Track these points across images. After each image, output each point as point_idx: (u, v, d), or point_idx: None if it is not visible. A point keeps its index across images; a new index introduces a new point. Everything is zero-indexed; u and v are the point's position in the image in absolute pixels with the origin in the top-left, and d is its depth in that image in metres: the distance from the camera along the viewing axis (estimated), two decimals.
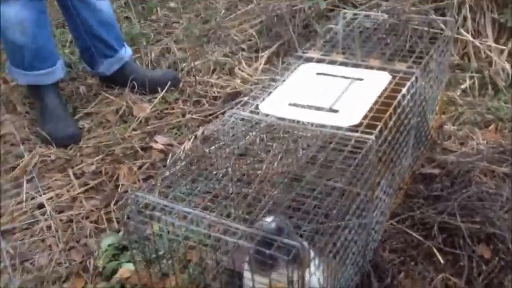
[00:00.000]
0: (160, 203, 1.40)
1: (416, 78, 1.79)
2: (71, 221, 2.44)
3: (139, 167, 2.72)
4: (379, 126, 1.55)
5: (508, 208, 2.03)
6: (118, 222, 2.39)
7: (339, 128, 1.59)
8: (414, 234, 2.01)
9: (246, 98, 1.88)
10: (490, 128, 2.58)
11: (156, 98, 3.26)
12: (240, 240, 1.26)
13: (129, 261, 2.15)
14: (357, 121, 1.57)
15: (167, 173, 1.70)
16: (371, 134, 1.53)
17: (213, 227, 1.33)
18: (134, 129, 3.02)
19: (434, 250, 1.94)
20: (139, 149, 2.84)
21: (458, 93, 2.85)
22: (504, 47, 2.97)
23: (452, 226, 2.00)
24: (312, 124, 1.63)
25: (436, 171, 2.31)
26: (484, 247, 1.92)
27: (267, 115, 1.72)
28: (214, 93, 3.28)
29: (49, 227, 2.41)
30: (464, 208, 2.06)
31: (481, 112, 2.68)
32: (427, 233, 2.02)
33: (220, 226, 1.32)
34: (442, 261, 1.89)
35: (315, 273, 1.37)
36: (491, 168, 2.26)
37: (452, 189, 2.17)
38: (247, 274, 1.39)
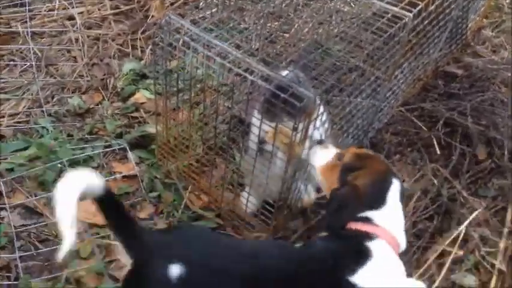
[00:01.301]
0: (191, 30, 1.43)
1: None
2: (98, 39, 2.51)
3: (172, 3, 2.70)
4: (420, 6, 1.53)
5: None
6: (142, 50, 2.46)
7: None
8: (419, 123, 2.08)
9: None
10: None
11: None
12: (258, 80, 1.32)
13: (146, 89, 2.26)
14: None
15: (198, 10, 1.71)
16: (410, 12, 1.52)
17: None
18: None
19: (434, 140, 2.02)
20: None
21: (507, 0, 2.73)
22: None
23: (457, 123, 2.06)
24: None
25: (460, 71, 2.31)
26: (482, 148, 1.99)
27: None
28: None
29: (76, 40, 2.48)
30: (475, 110, 2.10)
31: None
32: (431, 125, 2.09)
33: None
34: (438, 152, 1.98)
35: (318, 128, 1.45)
36: None
37: (469, 91, 2.20)
38: (255, 121, 1.42)
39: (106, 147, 1.99)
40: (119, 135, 2.04)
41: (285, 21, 2.41)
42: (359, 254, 1.22)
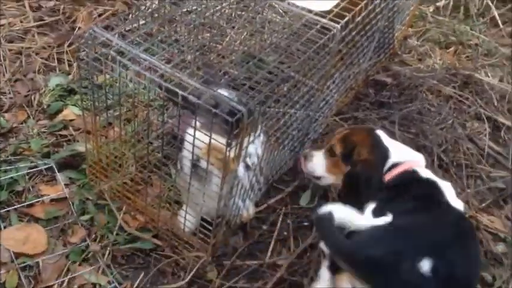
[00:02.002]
0: (118, 44, 1.37)
1: None
2: (20, 53, 2.37)
3: (100, 14, 2.62)
4: (347, 18, 1.55)
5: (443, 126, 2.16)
6: (69, 64, 2.35)
7: (308, 11, 1.58)
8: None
9: None
10: (450, 50, 2.65)
11: None
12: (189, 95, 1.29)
13: (75, 105, 2.16)
14: (328, 8, 1.57)
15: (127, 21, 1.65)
16: (338, 23, 1.54)
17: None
18: None
19: None
20: None
21: (431, 10, 2.86)
22: None
23: (389, 132, 2.11)
24: (283, 1, 1.61)
25: (389, 80, 2.38)
26: None
27: None
28: None
29: None
30: (405, 118, 2.17)
31: (446, 33, 2.72)
32: None
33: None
34: None
35: (253, 142, 1.43)
36: (439, 87, 2.36)
37: (399, 100, 2.27)
38: (188, 137, 1.41)
39: (31, 168, 1.87)
40: (46, 155, 1.93)
41: (217, 32, 2.38)
42: (431, 184, 1.45)
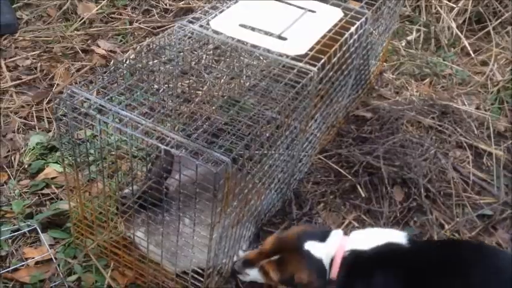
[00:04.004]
0: (97, 102, 1.37)
1: (366, 19, 1.82)
2: None
3: (78, 70, 2.63)
4: (323, 60, 1.58)
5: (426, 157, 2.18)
6: (49, 121, 2.34)
7: (284, 56, 1.61)
8: (339, 169, 2.12)
9: (197, 13, 1.85)
10: (425, 81, 2.70)
11: None
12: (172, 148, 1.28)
13: (56, 162, 2.13)
14: (303, 51, 1.60)
15: (106, 77, 1.65)
16: (314, 66, 1.57)
17: (146, 135, 1.34)
18: (77, 29, 2.89)
19: (358, 186, 2.07)
20: (79, 51, 2.73)
21: (403, 44, 2.93)
22: (455, 5, 3.05)
23: (374, 167, 2.13)
24: (259, 48, 1.64)
25: (369, 115, 2.41)
26: (398, 189, 2.06)
27: (216, 32, 1.70)
28: (166, 5, 3.17)
29: None
30: (388, 152, 2.19)
31: (420, 65, 2.78)
32: (350, 171, 2.14)
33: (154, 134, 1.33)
34: (363, 195, 2.03)
35: None
36: (418, 119, 2.39)
37: (380, 134, 2.29)
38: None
39: (14, 231, 1.83)
40: (29, 216, 1.89)
41: (196, 79, 2.40)
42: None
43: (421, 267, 1.36)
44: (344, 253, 1.41)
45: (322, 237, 1.46)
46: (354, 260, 1.40)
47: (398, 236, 1.42)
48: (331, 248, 1.43)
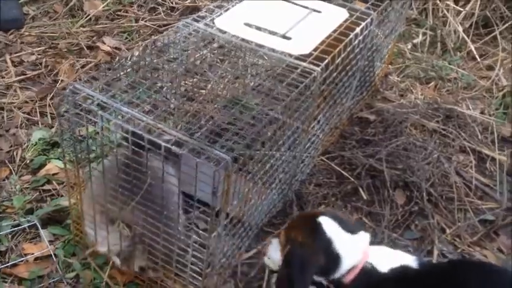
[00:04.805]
0: (99, 99, 1.37)
1: (372, 20, 1.81)
2: (2, 108, 2.36)
3: (83, 66, 2.63)
4: (326, 60, 1.57)
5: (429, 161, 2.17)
6: (52, 117, 2.34)
7: (288, 55, 1.60)
8: (341, 171, 2.11)
9: (202, 12, 1.84)
10: (430, 85, 2.69)
11: None
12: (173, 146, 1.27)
13: (58, 158, 2.13)
14: (307, 51, 1.59)
15: (109, 73, 1.65)
16: (318, 66, 1.56)
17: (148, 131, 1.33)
18: (82, 26, 2.89)
19: (360, 189, 2.06)
20: (84, 47, 2.73)
21: (408, 47, 2.92)
22: (462, 9, 3.04)
23: (377, 169, 2.11)
24: (263, 47, 1.63)
25: (373, 117, 2.40)
26: (400, 193, 2.05)
27: (221, 30, 1.69)
28: (172, 3, 3.17)
29: None
30: (391, 155, 2.17)
31: (425, 68, 2.77)
32: (352, 173, 2.12)
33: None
34: (364, 197, 2.02)
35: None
36: (422, 122, 2.38)
37: (384, 136, 2.28)
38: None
39: (15, 226, 1.82)
40: (30, 212, 1.88)
41: (200, 78, 2.40)
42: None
43: None
44: (365, 263, 1.38)
45: (345, 225, 1.42)
46: (372, 275, 1.38)
47: (409, 260, 1.40)
48: (355, 249, 1.39)
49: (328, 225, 1.39)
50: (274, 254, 1.49)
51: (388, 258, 1.40)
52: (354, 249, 1.38)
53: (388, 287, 1.37)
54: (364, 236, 1.42)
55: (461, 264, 1.48)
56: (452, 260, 1.79)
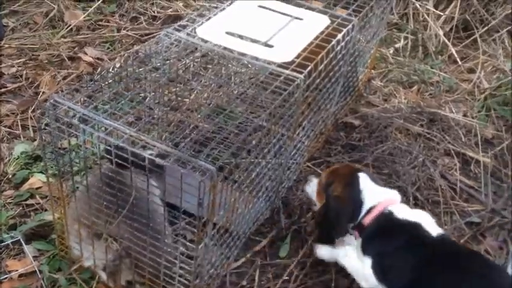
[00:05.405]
0: (80, 112, 1.35)
1: (353, 26, 1.81)
2: None
3: (64, 77, 2.60)
4: (309, 67, 1.57)
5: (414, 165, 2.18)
6: (34, 130, 2.31)
7: (270, 63, 1.60)
8: None
9: (184, 21, 1.83)
10: (413, 88, 2.71)
11: (91, 6, 3.09)
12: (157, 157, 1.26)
13: (41, 172, 2.10)
14: (289, 59, 1.59)
15: (91, 85, 1.63)
16: (301, 73, 1.56)
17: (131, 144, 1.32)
18: (63, 36, 2.86)
19: None
20: (66, 58, 2.71)
21: (390, 51, 2.94)
22: (442, 13, 3.07)
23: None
24: (245, 55, 1.63)
25: (358, 122, 2.41)
26: None
27: (203, 40, 1.69)
28: (154, 12, 3.16)
29: None
30: (377, 160, 2.18)
31: (407, 73, 2.79)
32: None
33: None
34: None
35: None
36: (407, 126, 2.40)
37: (369, 141, 2.28)
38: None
39: None
40: (13, 227, 1.85)
41: (184, 87, 2.39)
42: (407, 224, 1.53)
43: (433, 255, 1.48)
44: (384, 209, 1.56)
45: (377, 182, 1.65)
46: (387, 219, 1.55)
47: (431, 224, 1.55)
48: (376, 197, 1.59)
49: (364, 180, 1.62)
50: (310, 192, 1.78)
51: (410, 214, 1.58)
52: (376, 194, 1.60)
53: (400, 231, 1.53)
54: (391, 191, 1.64)
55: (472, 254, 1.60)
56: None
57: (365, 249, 1.57)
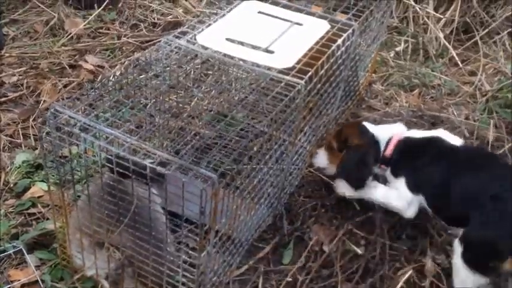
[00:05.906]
0: (81, 121, 1.35)
1: (354, 31, 1.81)
2: None
3: (65, 85, 2.60)
4: (310, 73, 1.57)
5: None
6: (35, 139, 2.30)
7: (271, 69, 1.60)
8: (332, 183, 2.10)
9: (184, 28, 1.83)
10: (414, 92, 2.70)
11: (91, 14, 3.09)
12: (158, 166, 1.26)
13: (42, 181, 2.09)
14: (290, 64, 1.59)
15: (92, 93, 1.63)
16: (302, 79, 1.55)
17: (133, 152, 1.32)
18: (64, 45, 2.87)
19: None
20: (67, 66, 2.71)
21: (391, 55, 2.94)
22: (442, 16, 3.07)
23: None
24: (246, 62, 1.63)
25: None
26: None
27: (203, 47, 1.69)
28: (154, 19, 3.16)
29: None
30: None
31: (408, 76, 2.79)
32: None
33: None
34: (358, 208, 2.01)
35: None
36: None
37: None
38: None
39: (0, 252, 1.78)
40: (15, 237, 1.84)
41: (184, 94, 2.38)
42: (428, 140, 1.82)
43: (459, 160, 1.73)
44: (400, 137, 1.83)
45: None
46: (406, 143, 1.82)
47: (449, 136, 1.82)
48: (387, 132, 1.86)
49: (370, 126, 1.90)
50: (321, 162, 2.00)
51: (426, 133, 1.87)
52: (386, 131, 1.87)
53: (423, 146, 1.79)
54: (396, 124, 1.93)
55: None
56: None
57: (396, 173, 1.81)
